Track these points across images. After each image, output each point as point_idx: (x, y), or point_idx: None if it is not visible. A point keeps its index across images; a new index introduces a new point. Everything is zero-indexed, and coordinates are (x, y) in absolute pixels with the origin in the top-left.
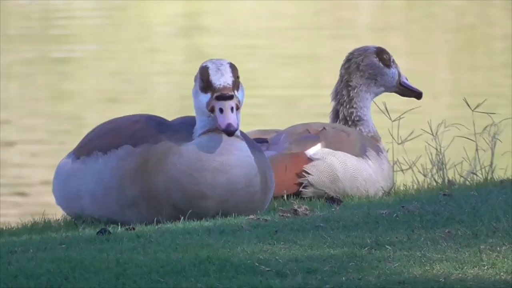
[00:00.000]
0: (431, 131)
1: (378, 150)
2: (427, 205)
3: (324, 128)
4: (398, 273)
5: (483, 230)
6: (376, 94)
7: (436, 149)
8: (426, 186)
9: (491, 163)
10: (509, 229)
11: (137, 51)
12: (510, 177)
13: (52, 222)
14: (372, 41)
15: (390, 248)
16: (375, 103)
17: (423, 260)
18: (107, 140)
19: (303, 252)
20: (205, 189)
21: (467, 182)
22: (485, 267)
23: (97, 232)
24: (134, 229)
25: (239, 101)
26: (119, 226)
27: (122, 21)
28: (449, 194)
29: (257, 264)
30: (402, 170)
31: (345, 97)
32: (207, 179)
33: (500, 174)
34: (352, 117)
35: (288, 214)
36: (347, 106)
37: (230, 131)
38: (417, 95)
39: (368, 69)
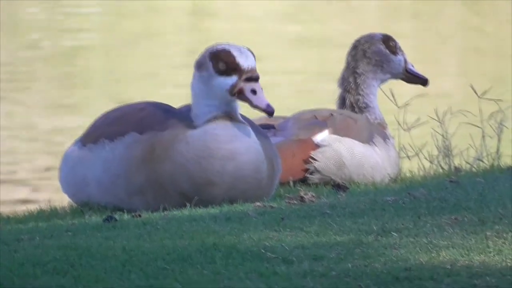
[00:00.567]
0: (438, 117)
1: (385, 137)
2: (433, 192)
3: (331, 114)
4: (404, 260)
5: (489, 217)
6: (383, 81)
7: (443, 135)
8: (432, 172)
9: (498, 149)
10: None
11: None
12: None
13: (59, 209)
14: (378, 28)
15: (396, 235)
16: (381, 89)
17: (429, 247)
18: (114, 128)
19: (310, 239)
20: (213, 177)
21: (474, 169)
22: (492, 254)
23: (104, 220)
24: (140, 216)
25: None
26: (126, 214)
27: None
28: (456, 181)
29: (263, 251)
30: (408, 157)
31: (352, 84)
32: (215, 167)
33: (506, 161)
34: (359, 104)
35: (295, 201)
36: (354, 93)
37: (271, 111)
38: (423, 82)
39: (375, 56)
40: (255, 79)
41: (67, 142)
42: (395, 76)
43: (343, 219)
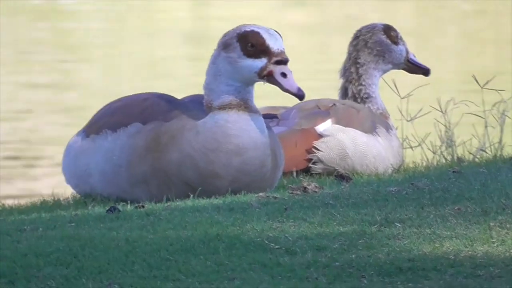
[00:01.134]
0: (440, 108)
1: (388, 127)
2: (436, 182)
3: (334, 104)
4: (407, 250)
5: (492, 207)
6: (384, 71)
7: (445, 126)
8: (435, 163)
9: (500, 140)
10: None
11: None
12: None
13: (62, 200)
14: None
15: (399, 225)
16: (384, 79)
17: (432, 237)
18: (116, 118)
19: (313, 230)
20: (219, 169)
21: (476, 159)
22: (495, 244)
23: (107, 210)
24: (143, 207)
25: None
26: (129, 204)
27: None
28: (459, 171)
29: (266, 242)
30: (411, 147)
31: (354, 75)
32: (221, 160)
33: (509, 151)
34: (361, 95)
35: (298, 192)
36: (356, 84)
37: (302, 95)
38: (425, 71)
39: (376, 46)
40: (285, 62)
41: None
42: (396, 66)
43: (346, 210)
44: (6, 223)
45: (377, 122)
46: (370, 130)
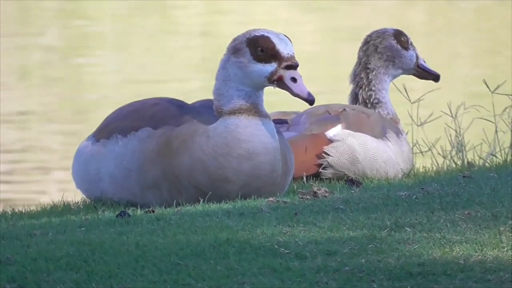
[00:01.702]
0: (451, 112)
1: (398, 132)
2: (446, 187)
3: (344, 109)
4: (417, 255)
5: (502, 212)
6: (394, 77)
7: (456, 131)
8: (445, 168)
9: (511, 144)
10: None
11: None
12: None
13: (72, 205)
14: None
15: (409, 230)
16: (394, 84)
17: (442, 242)
18: (127, 123)
19: (323, 234)
20: (229, 174)
21: (487, 164)
22: (505, 249)
23: (117, 215)
24: (153, 211)
25: None
26: (139, 209)
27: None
28: (469, 176)
29: (276, 247)
30: (421, 152)
31: (364, 80)
32: (232, 165)
33: None
34: (371, 100)
35: (308, 196)
36: (366, 89)
37: (312, 100)
38: (435, 77)
39: (386, 51)
40: (295, 66)
41: None
42: (406, 71)
43: (357, 214)
44: (16, 228)
45: (387, 127)
46: (380, 135)
